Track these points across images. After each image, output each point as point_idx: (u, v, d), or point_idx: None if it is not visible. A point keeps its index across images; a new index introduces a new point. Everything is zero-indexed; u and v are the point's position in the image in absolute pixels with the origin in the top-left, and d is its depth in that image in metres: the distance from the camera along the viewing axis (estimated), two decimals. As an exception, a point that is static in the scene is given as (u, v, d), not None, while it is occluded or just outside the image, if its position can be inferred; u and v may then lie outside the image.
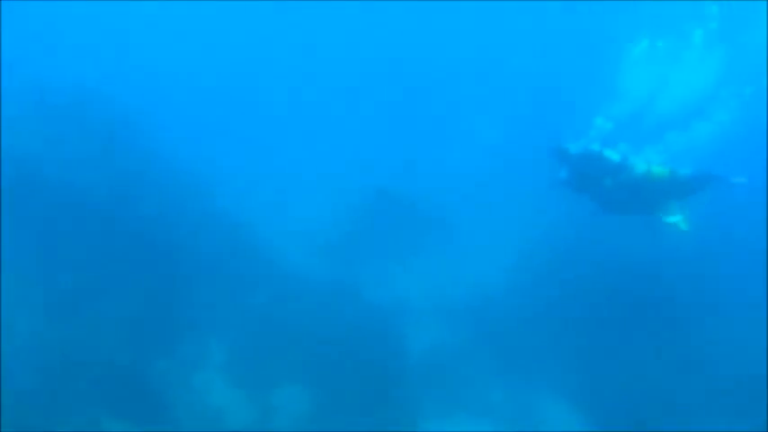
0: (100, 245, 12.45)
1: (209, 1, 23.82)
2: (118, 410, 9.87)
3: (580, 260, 14.20)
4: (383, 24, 26.09)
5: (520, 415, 12.44)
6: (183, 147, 16.58)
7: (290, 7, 24.50)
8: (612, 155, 9.85)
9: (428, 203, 16.86)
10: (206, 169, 16.14)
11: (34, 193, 12.45)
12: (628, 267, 13.92)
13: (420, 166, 18.36)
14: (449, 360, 13.09)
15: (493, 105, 21.09)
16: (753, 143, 14.83)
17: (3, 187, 12.16)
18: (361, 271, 14.57)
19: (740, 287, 13.78)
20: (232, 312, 12.73)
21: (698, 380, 12.34)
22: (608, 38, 18.26)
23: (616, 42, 15.98)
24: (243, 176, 17.18)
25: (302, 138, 19.84)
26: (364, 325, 12.78)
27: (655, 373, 12.55)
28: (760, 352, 12.36)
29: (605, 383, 12.57)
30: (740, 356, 12.53)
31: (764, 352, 12.39)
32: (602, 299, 13.52)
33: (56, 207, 12.42)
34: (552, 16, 25.34)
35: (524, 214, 15.57)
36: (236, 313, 12.73)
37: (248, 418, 10.97)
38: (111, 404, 9.91)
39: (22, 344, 9.91)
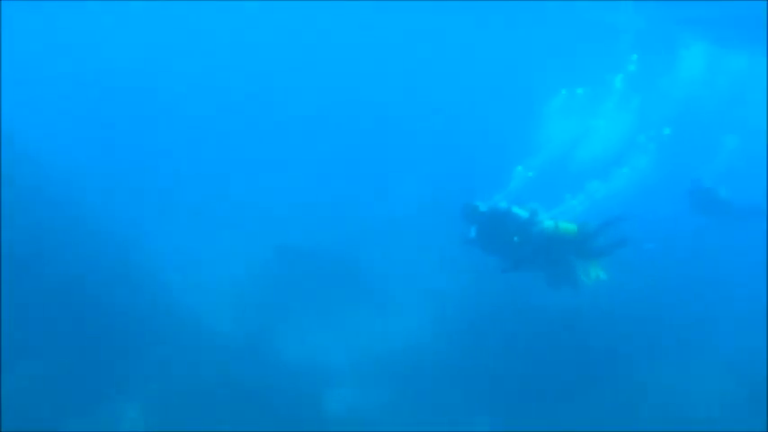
0: (11, 302, 11.93)
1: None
2: None
3: (500, 314, 14.17)
4: (297, 76, 26.25)
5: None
6: (96, 201, 16.13)
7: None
8: (520, 212, 9.87)
9: (347, 259, 16.55)
10: (118, 223, 15.66)
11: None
12: (548, 317, 13.93)
13: (338, 221, 18.19)
14: (368, 418, 12.49)
15: (412, 160, 21.14)
16: (674, 185, 14.98)
17: None
18: (278, 328, 14.08)
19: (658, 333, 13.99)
20: (146, 371, 12.19)
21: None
22: (528, 90, 18.90)
23: (537, 95, 16.23)
24: (156, 233, 16.53)
25: (216, 191, 19.40)
26: (282, 383, 12.41)
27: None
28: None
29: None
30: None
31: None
32: (523, 351, 13.45)
33: None
34: (472, 71, 25.90)
35: (443, 269, 15.54)
36: (150, 372, 12.19)
37: None
38: None
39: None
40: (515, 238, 9.61)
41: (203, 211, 18.11)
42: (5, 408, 10.41)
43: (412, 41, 25.18)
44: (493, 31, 21.03)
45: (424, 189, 18.83)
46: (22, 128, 16.22)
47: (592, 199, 11.84)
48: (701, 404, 12.47)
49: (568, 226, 9.78)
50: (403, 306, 15.27)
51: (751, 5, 10.75)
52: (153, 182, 18.94)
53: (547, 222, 9.79)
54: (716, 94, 19.20)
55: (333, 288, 15.52)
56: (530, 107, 15.90)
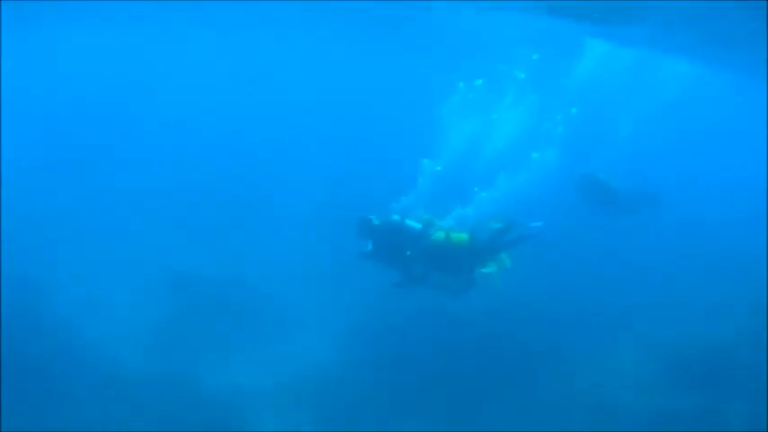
0: None
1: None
2: None
3: (410, 321, 14.16)
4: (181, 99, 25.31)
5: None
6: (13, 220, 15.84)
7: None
8: (413, 224, 9.84)
9: (249, 285, 16.25)
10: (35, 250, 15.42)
11: None
12: (460, 319, 13.93)
13: (239, 247, 17.80)
14: None
15: (309, 175, 20.80)
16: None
17: None
18: (193, 363, 13.57)
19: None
20: (61, 410, 11.63)
21: None
22: (425, 89, 18.64)
23: (434, 92, 15.78)
24: (71, 263, 16.07)
25: (105, 224, 18.45)
26: (206, 415, 12.11)
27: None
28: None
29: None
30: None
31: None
32: (436, 362, 13.40)
33: None
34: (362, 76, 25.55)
35: (350, 284, 15.18)
36: (63, 412, 11.61)
37: None
38: None
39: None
40: (407, 252, 9.52)
41: (96, 246, 17.29)
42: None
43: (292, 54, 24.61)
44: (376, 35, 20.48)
45: (325, 200, 18.48)
46: None
47: (500, 192, 11.80)
48: (619, 388, 12.60)
49: (460, 236, 9.65)
50: (310, 324, 15.02)
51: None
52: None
53: (437, 233, 9.68)
54: (610, 86, 19.51)
55: (237, 313, 15.22)
56: (429, 105, 15.66)
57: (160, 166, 21.61)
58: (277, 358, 13.95)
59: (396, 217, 9.75)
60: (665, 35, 13.13)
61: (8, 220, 16.26)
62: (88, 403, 11.99)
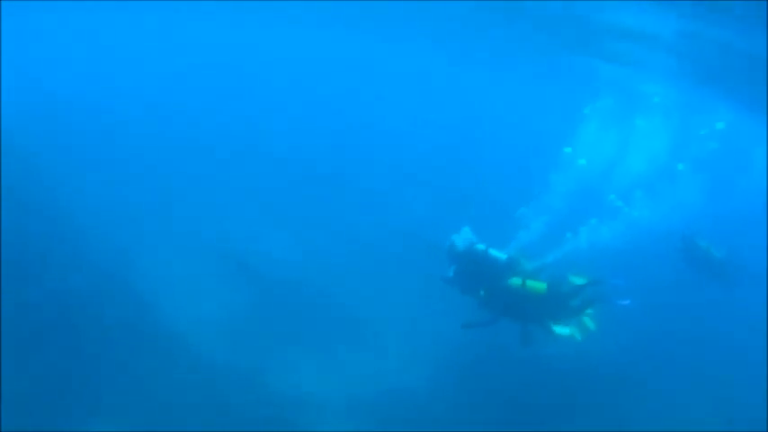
0: None
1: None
2: None
3: (489, 356, 13.76)
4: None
5: None
6: (99, 211, 16.15)
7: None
8: (498, 255, 9.62)
9: (336, 296, 16.24)
10: (113, 240, 15.58)
11: None
12: (538, 364, 13.46)
13: (329, 260, 17.77)
14: None
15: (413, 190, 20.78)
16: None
17: None
18: (266, 361, 13.60)
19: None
20: (125, 393, 11.69)
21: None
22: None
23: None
24: (152, 253, 16.28)
25: (210, 220, 18.86)
26: (266, 418, 12.03)
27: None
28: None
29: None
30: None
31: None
32: (510, 398, 13.04)
33: None
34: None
35: (436, 305, 14.79)
36: (129, 395, 11.69)
37: None
38: None
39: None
40: (481, 292, 9.36)
41: (197, 244, 17.62)
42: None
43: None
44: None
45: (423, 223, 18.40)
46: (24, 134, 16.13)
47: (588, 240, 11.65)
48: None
49: (537, 285, 9.41)
50: (392, 344, 14.85)
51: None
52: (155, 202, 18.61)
53: (514, 279, 9.45)
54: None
55: (320, 324, 15.17)
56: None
57: (263, 159, 22.25)
58: (348, 369, 13.85)
59: (481, 246, 9.60)
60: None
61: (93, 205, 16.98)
62: (157, 380, 12.23)
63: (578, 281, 9.62)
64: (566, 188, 12.91)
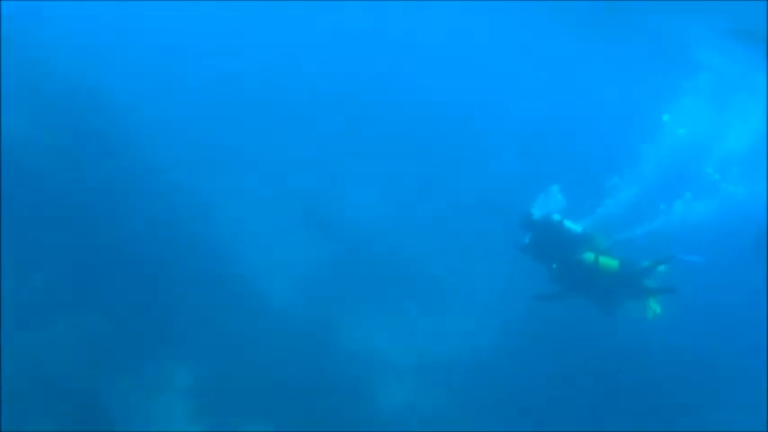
0: (77, 249, 12.02)
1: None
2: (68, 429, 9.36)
3: (564, 327, 13.48)
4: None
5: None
6: (184, 161, 16.32)
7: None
8: (573, 227, 9.55)
9: (413, 255, 16.27)
10: (203, 189, 15.85)
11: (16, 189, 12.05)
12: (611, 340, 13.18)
13: (410, 219, 17.63)
14: (419, 420, 12.43)
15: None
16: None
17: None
18: (340, 316, 14.04)
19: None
20: (204, 339, 12.28)
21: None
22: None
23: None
24: (241, 204, 16.58)
25: (303, 179, 18.67)
26: (337, 371, 12.49)
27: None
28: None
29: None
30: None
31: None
32: (585, 376, 13.03)
33: (37, 205, 12.07)
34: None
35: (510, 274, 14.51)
36: (208, 340, 12.28)
37: None
38: (65, 423, 9.40)
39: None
40: (554, 266, 9.38)
41: (279, 198, 17.60)
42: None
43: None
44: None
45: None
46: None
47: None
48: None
49: (609, 261, 9.31)
50: (463, 306, 14.98)
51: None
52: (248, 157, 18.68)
53: (587, 254, 9.35)
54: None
55: (396, 282, 15.38)
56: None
57: (352, 115, 21.48)
58: (420, 329, 14.12)
59: (556, 216, 9.50)
60: None
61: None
62: (231, 324, 12.66)
63: (650, 261, 9.46)
64: (661, 158, 12.59)
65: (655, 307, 9.44)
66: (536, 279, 9.97)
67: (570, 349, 13.31)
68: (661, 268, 9.40)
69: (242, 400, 11.38)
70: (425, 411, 12.42)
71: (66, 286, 11.43)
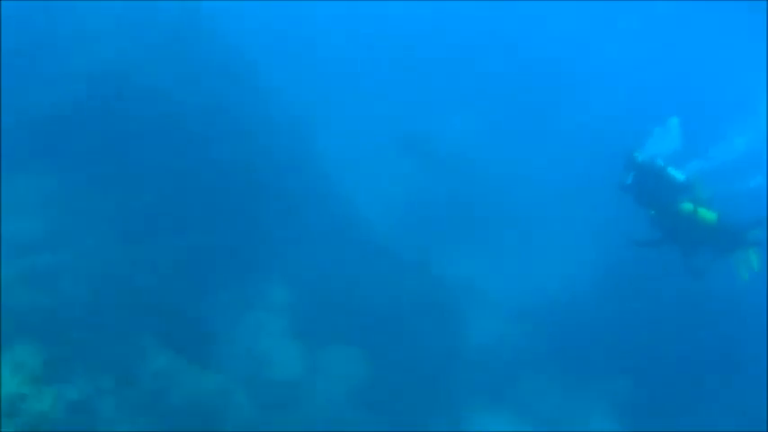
0: (181, 166, 11.98)
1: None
2: (165, 340, 9.42)
3: (658, 277, 13.12)
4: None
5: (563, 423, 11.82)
6: (290, 86, 16.25)
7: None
8: (676, 174, 9.08)
9: (515, 189, 16.42)
10: (307, 114, 15.86)
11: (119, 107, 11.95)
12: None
13: (513, 153, 17.56)
14: (504, 355, 12.51)
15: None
16: None
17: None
18: (439, 244, 14.21)
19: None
20: (300, 260, 12.43)
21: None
22: None
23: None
24: (346, 130, 16.81)
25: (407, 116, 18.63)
26: (429, 301, 12.52)
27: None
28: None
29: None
30: None
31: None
32: (672, 324, 12.74)
33: (136, 123, 11.95)
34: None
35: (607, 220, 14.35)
36: (304, 262, 12.43)
37: (292, 371, 10.61)
38: (159, 332, 9.47)
39: (79, 258, 9.53)
40: (652, 212, 9.07)
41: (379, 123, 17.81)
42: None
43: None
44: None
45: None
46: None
47: None
48: None
49: (708, 214, 8.90)
50: (561, 245, 14.94)
51: None
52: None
53: (685, 204, 8.97)
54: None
55: (494, 217, 15.55)
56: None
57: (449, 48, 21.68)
58: (515, 268, 14.20)
59: (660, 161, 9.13)
60: None
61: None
62: (328, 246, 12.84)
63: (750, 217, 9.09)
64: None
65: (752, 264, 9.01)
66: (637, 222, 9.77)
67: (662, 303, 13.04)
68: (760, 228, 8.97)
69: (334, 322, 11.49)
70: (514, 347, 12.54)
71: (173, 203, 11.54)
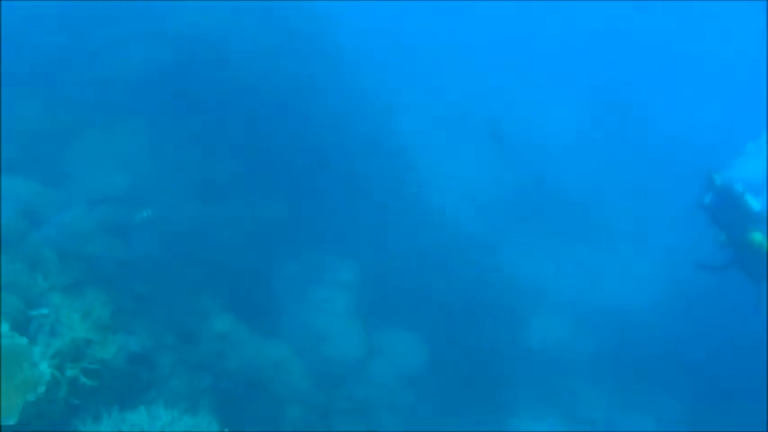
0: (265, 137, 12.22)
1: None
2: (229, 303, 9.54)
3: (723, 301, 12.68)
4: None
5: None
6: (376, 70, 16.53)
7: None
8: (753, 202, 8.72)
9: (592, 192, 16.14)
10: (392, 99, 16.05)
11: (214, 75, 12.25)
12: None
13: (594, 157, 17.41)
14: (560, 360, 12.39)
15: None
16: None
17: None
18: (509, 239, 14.18)
19: None
20: (372, 241, 12.51)
21: None
22: None
23: None
24: (428, 119, 16.87)
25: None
26: (493, 296, 12.53)
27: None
28: None
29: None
30: None
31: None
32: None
33: (227, 90, 12.23)
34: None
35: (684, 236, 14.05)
36: (375, 243, 12.51)
37: (349, 350, 10.69)
38: (225, 295, 9.61)
39: (157, 214, 9.49)
40: (722, 237, 8.85)
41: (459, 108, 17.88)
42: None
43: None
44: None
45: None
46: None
47: None
48: None
49: None
50: (630, 255, 14.74)
51: None
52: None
53: (756, 233, 8.61)
54: None
55: (567, 218, 15.36)
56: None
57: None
58: (583, 271, 14.18)
59: (739, 187, 8.75)
60: None
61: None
62: (401, 230, 12.96)
63: None
64: None
65: None
66: (708, 242, 9.53)
67: (723, 327, 12.65)
68: None
69: (398, 307, 11.55)
70: (571, 353, 12.40)
71: (254, 171, 11.79)
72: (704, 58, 22.51)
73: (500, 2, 22.78)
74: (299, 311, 10.90)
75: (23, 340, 5.41)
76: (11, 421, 5.05)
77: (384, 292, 11.75)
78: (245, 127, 12.09)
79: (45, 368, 5.42)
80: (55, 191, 8.93)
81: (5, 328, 5.42)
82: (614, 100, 19.53)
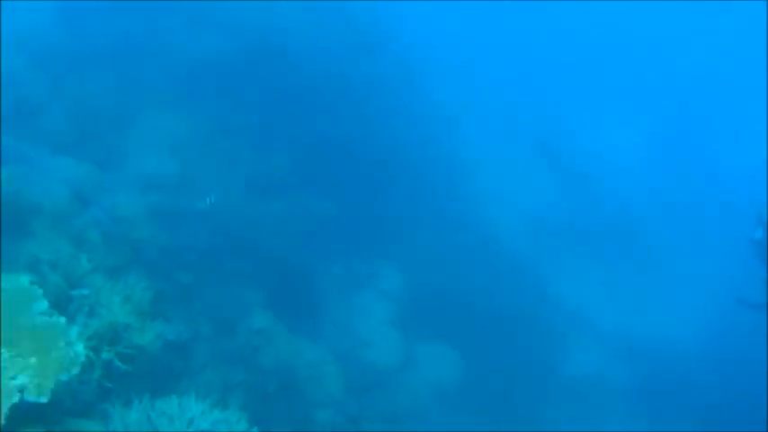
0: (320, 136, 12.18)
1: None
2: (270, 300, 9.52)
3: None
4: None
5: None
6: (447, 83, 16.53)
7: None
8: None
9: (640, 225, 15.86)
10: (453, 113, 15.97)
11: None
12: None
13: (645, 181, 17.18)
14: (597, 388, 12.17)
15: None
16: None
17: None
18: (555, 264, 13.92)
19: None
20: (420, 252, 12.47)
21: None
22: None
23: None
24: (486, 134, 16.61)
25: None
26: (537, 318, 12.41)
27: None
28: None
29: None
30: None
31: None
32: None
33: (288, 85, 12.23)
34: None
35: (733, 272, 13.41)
36: (422, 254, 12.45)
37: (387, 359, 10.59)
38: (266, 292, 9.61)
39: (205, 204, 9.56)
40: (766, 273, 8.67)
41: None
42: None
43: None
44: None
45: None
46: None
47: None
48: None
49: None
50: (675, 288, 14.44)
51: None
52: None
53: None
54: None
55: (615, 242, 15.14)
56: None
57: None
58: (627, 300, 13.91)
59: None
60: None
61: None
62: (451, 243, 12.85)
63: None
64: None
65: None
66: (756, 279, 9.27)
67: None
68: None
69: (439, 320, 11.40)
70: (608, 382, 12.20)
71: (306, 169, 11.73)
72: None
73: (578, 15, 22.55)
74: (339, 315, 10.83)
75: (62, 319, 5.36)
76: (43, 399, 4.98)
77: (426, 303, 11.61)
78: (303, 123, 12.08)
79: (81, 349, 5.35)
80: (107, 173, 8.98)
81: (45, 305, 5.40)
82: (685, 127, 19.10)
